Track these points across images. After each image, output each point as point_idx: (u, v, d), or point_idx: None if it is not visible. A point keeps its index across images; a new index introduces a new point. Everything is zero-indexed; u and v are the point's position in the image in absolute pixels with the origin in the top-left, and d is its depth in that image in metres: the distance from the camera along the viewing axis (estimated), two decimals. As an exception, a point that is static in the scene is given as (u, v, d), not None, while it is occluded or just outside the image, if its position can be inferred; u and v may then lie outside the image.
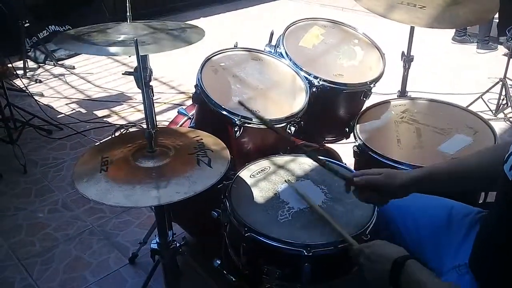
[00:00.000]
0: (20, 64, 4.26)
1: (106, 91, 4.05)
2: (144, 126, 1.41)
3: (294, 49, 2.10)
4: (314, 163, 1.68)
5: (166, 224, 1.62)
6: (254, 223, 1.38)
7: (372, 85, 2.06)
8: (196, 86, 1.82)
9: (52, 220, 2.52)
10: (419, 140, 1.87)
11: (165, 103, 3.79)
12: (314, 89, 1.97)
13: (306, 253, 1.29)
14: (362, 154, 1.85)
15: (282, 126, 1.81)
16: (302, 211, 1.44)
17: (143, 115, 3.38)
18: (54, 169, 2.96)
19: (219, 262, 1.58)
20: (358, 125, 1.97)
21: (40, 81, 4.19)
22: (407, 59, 2.32)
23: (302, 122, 1.88)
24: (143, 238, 2.21)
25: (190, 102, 2.11)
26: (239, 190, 1.52)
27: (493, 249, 1.11)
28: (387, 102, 2.13)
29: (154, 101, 1.84)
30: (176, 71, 4.28)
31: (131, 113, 3.66)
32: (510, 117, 3.50)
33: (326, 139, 2.27)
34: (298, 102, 1.89)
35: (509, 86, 3.53)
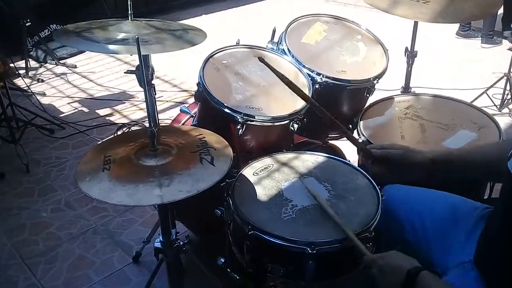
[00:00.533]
0: (22, 63, 4.26)
1: (108, 89, 4.05)
2: (147, 124, 1.41)
3: (296, 45, 2.08)
4: (318, 160, 1.67)
5: (169, 223, 1.61)
6: (258, 221, 1.37)
7: (375, 81, 2.05)
8: (198, 84, 1.82)
9: (55, 219, 2.52)
10: (423, 136, 1.86)
11: (167, 101, 3.79)
12: (317, 86, 1.96)
13: (310, 251, 1.28)
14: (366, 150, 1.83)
15: (285, 124, 1.80)
16: (305, 209, 1.43)
17: (145, 114, 3.37)
18: (57, 168, 2.96)
19: (223, 260, 1.57)
20: (361, 122, 1.96)
21: (42, 80, 4.19)
22: (411, 54, 2.31)
23: (305, 119, 1.87)
24: (146, 237, 2.21)
25: (192, 100, 2.11)
26: (242, 188, 1.52)
27: (497, 246, 1.11)
28: (390, 98, 2.12)
29: (156, 99, 1.84)
30: (178, 69, 4.27)
31: (133, 112, 3.65)
32: (515, 112, 3.48)
33: (329, 136, 2.26)
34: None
35: (513, 81, 3.51)
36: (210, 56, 1.93)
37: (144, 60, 1.61)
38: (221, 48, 1.99)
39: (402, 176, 1.30)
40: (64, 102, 3.83)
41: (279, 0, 6.82)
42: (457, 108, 2.02)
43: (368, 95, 2.10)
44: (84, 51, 4.57)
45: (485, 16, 3.37)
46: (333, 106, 2.12)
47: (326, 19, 2.28)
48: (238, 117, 1.70)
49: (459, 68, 4.32)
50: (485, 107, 3.33)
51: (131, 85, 3.99)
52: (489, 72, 4.04)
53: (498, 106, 3.50)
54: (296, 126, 1.83)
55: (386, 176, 1.31)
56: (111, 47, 1.53)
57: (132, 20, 1.70)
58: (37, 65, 4.51)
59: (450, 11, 2.00)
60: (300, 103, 1.85)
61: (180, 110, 2.24)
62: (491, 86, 3.56)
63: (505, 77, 3.48)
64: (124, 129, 3.35)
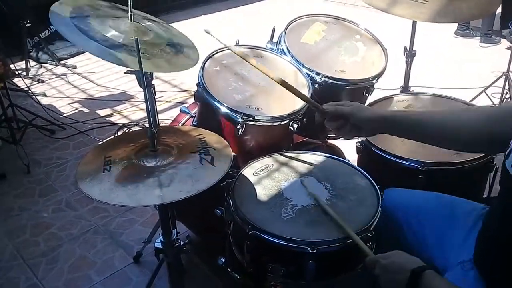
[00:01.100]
0: (22, 64, 4.26)
1: (108, 90, 4.05)
2: (147, 124, 1.41)
3: (295, 45, 2.09)
4: (318, 160, 1.68)
5: (170, 223, 1.62)
6: (258, 221, 1.37)
7: (374, 81, 2.05)
8: (198, 84, 1.82)
9: (56, 220, 2.53)
10: (422, 135, 1.86)
11: (167, 101, 3.79)
12: (316, 86, 1.96)
13: (310, 251, 1.29)
14: (365, 150, 1.84)
15: (284, 123, 1.81)
16: (305, 208, 1.43)
17: (145, 114, 3.38)
18: (58, 169, 2.96)
19: (223, 260, 1.58)
20: (361, 121, 1.96)
21: (42, 81, 4.19)
22: (410, 54, 2.32)
23: (304, 119, 1.88)
24: (147, 237, 2.22)
25: (192, 100, 2.12)
26: (242, 188, 1.52)
27: (496, 245, 1.11)
28: (390, 97, 2.12)
29: (156, 99, 1.84)
30: (178, 69, 4.27)
31: (133, 112, 3.66)
32: (514, 111, 3.48)
33: (329, 135, 2.26)
34: (301, 99, 1.89)
35: (512, 79, 3.51)
36: (210, 57, 1.94)
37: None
38: (220, 48, 2.00)
39: (353, 132, 1.36)
40: (64, 102, 3.84)
41: (278, 0, 6.82)
42: (456, 107, 2.02)
43: (367, 95, 2.10)
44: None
45: (483, 15, 3.38)
46: (333, 105, 2.13)
47: (325, 19, 2.29)
48: (238, 117, 1.71)
49: (458, 67, 4.33)
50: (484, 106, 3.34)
51: (131, 85, 3.99)
52: (488, 71, 4.05)
53: (497, 105, 3.50)
54: (295, 126, 1.83)
55: (340, 131, 1.38)
56: (110, 52, 1.52)
57: (132, 21, 1.70)
58: (37, 65, 4.52)
59: (449, 10, 2.01)
60: (299, 103, 1.85)
61: (180, 110, 2.24)
62: (490, 85, 3.56)
63: (504, 76, 3.48)
64: (124, 130, 3.35)
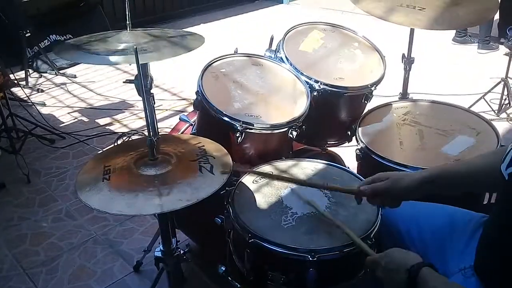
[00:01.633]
0: (21, 74, 4.27)
1: (108, 99, 4.06)
2: (146, 133, 1.42)
3: (294, 53, 2.10)
4: (317, 167, 1.68)
5: (169, 232, 1.62)
6: (258, 229, 1.37)
7: (373, 88, 2.06)
8: (197, 92, 1.83)
9: (56, 229, 2.52)
10: (421, 142, 1.86)
11: (166, 109, 3.80)
12: (315, 93, 1.97)
13: (310, 258, 1.29)
14: (365, 157, 1.84)
15: (283, 131, 1.81)
16: (305, 216, 1.43)
17: (145, 123, 3.38)
18: (58, 178, 2.96)
19: (223, 269, 1.57)
20: (360, 128, 1.96)
21: (42, 91, 4.20)
22: (408, 61, 2.32)
23: (303, 127, 1.88)
24: (147, 246, 2.21)
25: (192, 108, 2.12)
26: (242, 196, 1.52)
27: (496, 250, 1.11)
28: (388, 104, 2.13)
29: (155, 108, 1.84)
30: (178, 77, 4.29)
31: (133, 121, 3.67)
32: (513, 117, 3.49)
33: (328, 143, 2.27)
34: (299, 106, 1.89)
35: (511, 85, 3.52)
36: (209, 65, 1.95)
37: (143, 70, 1.63)
38: (219, 57, 2.01)
39: (398, 202, 1.32)
40: (64, 112, 3.84)
41: (277, 8, 6.86)
42: (455, 113, 2.03)
43: (366, 102, 2.11)
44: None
45: (480, 22, 3.40)
46: (331, 113, 2.14)
47: (323, 27, 2.30)
48: (237, 125, 1.71)
49: (456, 74, 4.34)
50: (483, 112, 3.34)
51: (131, 94, 4.00)
52: (486, 77, 4.05)
53: (496, 111, 3.51)
54: (295, 133, 1.84)
55: (385, 204, 1.34)
56: (111, 58, 1.54)
57: (130, 30, 1.71)
58: (36, 75, 4.53)
59: (446, 18, 2.02)
60: (298, 110, 1.86)
61: (180, 118, 2.25)
62: (489, 91, 3.57)
63: (503, 82, 3.49)
64: (124, 138, 3.35)
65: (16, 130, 3.22)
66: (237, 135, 1.72)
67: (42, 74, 4.55)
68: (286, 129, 1.81)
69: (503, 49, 4.80)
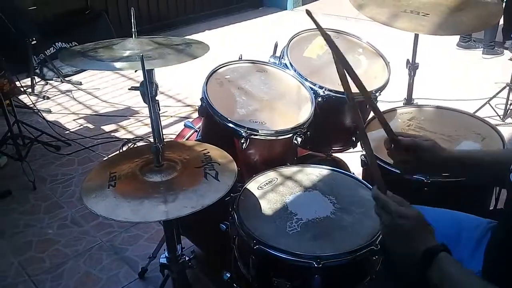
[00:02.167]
0: (27, 81, 4.30)
1: (113, 106, 4.08)
2: (151, 140, 1.42)
3: (298, 59, 2.11)
4: (322, 173, 1.67)
5: (175, 238, 1.62)
6: (263, 235, 1.37)
7: (377, 94, 2.06)
8: (201, 99, 1.83)
9: (61, 236, 2.53)
10: (426, 147, 1.86)
11: (171, 116, 3.81)
12: (319, 99, 1.97)
13: (316, 265, 1.28)
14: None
15: (288, 137, 1.81)
16: (310, 222, 1.43)
17: (150, 129, 3.39)
18: (63, 185, 2.97)
19: (228, 275, 1.57)
20: (365, 134, 1.96)
21: (48, 98, 4.23)
22: (412, 66, 2.32)
23: (308, 133, 1.88)
24: (152, 253, 2.21)
25: (196, 114, 2.13)
26: (247, 202, 1.52)
27: (504, 256, 1.10)
28: (393, 110, 2.13)
29: (160, 114, 1.85)
30: (183, 84, 4.30)
31: (138, 127, 3.68)
32: (519, 122, 3.48)
33: (333, 148, 2.27)
34: (304, 112, 1.90)
35: (516, 90, 3.51)
36: (214, 71, 1.96)
37: (148, 76, 1.63)
38: (224, 63, 2.01)
39: (423, 168, 1.32)
40: (69, 118, 3.86)
41: (281, 15, 6.88)
42: (460, 119, 2.03)
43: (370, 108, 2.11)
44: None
45: (485, 27, 3.39)
46: (336, 119, 2.14)
47: (327, 33, 2.30)
48: (242, 131, 1.71)
49: (461, 79, 4.33)
50: (488, 117, 3.33)
51: (136, 100, 4.02)
52: (491, 82, 4.04)
53: (501, 116, 3.50)
54: (299, 139, 1.84)
55: (409, 164, 1.30)
56: (116, 64, 1.55)
57: (135, 37, 1.72)
58: (42, 82, 4.56)
59: (450, 23, 2.02)
60: (303, 116, 1.86)
61: (184, 125, 2.26)
62: (494, 97, 3.56)
63: (508, 87, 3.48)
64: (129, 145, 3.36)
65: (22, 137, 3.24)
66: (242, 141, 1.72)
67: (48, 81, 4.57)
68: (290, 135, 1.81)
69: (508, 54, 4.79)
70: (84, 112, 3.98)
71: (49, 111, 3.93)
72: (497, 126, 1.96)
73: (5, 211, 2.73)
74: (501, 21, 4.65)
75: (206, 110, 1.81)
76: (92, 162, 3.20)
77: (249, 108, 1.86)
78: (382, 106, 2.15)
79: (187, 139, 2.16)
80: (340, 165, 2.29)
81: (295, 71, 2.04)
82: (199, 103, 1.86)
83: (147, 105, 1.53)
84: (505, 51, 4.84)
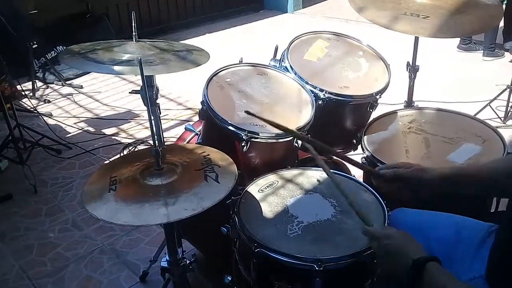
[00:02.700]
0: (28, 85, 4.31)
1: (114, 109, 4.08)
2: (152, 143, 1.43)
3: (299, 62, 2.11)
4: (323, 176, 1.67)
5: (175, 242, 1.62)
6: (264, 238, 1.37)
7: (378, 96, 2.06)
8: (202, 102, 1.84)
9: (62, 240, 2.53)
10: (427, 150, 1.86)
11: (172, 119, 3.82)
12: (320, 102, 1.97)
13: (317, 268, 1.28)
14: (371, 165, 1.84)
15: (289, 140, 1.81)
16: (311, 225, 1.43)
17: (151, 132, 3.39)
18: (64, 188, 2.97)
19: (229, 279, 1.57)
20: (365, 137, 1.96)
21: (49, 101, 4.24)
22: (413, 69, 2.32)
23: (309, 135, 1.88)
24: (153, 256, 2.21)
25: (197, 118, 2.13)
26: (247, 205, 1.52)
27: (508, 259, 1.10)
28: (394, 112, 2.13)
29: (161, 118, 1.86)
30: (183, 87, 4.31)
31: (139, 131, 3.68)
32: (519, 124, 3.47)
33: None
34: (305, 115, 1.90)
35: (517, 92, 3.50)
36: (214, 75, 1.96)
37: (148, 80, 1.64)
38: (224, 67, 2.02)
39: (413, 194, 1.31)
40: (70, 122, 3.87)
41: (281, 18, 6.90)
42: (461, 121, 2.03)
43: (371, 110, 2.11)
44: (90, 72, 4.62)
45: (485, 30, 3.39)
46: (337, 121, 2.14)
47: (328, 36, 2.31)
48: (242, 134, 1.71)
49: (462, 81, 4.33)
50: (489, 119, 3.33)
51: (137, 104, 4.02)
52: (492, 84, 4.04)
53: (502, 118, 3.49)
54: (300, 142, 1.84)
55: (398, 195, 1.33)
56: (116, 68, 1.55)
57: (136, 41, 1.73)
58: (43, 86, 4.57)
59: (450, 26, 2.02)
60: (303, 119, 1.86)
61: (185, 128, 2.26)
62: (495, 99, 3.56)
63: (508, 89, 3.48)
64: (130, 148, 3.37)
65: (23, 141, 3.24)
66: (243, 144, 1.72)
67: (49, 85, 4.58)
68: (291, 138, 1.81)
69: (508, 56, 4.79)
70: (85, 116, 3.99)
71: (50, 115, 3.94)
72: (498, 128, 1.95)
73: (6, 215, 2.73)
74: (501, 23, 4.65)
75: (206, 113, 1.81)
76: (93, 166, 3.20)
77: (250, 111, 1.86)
78: (382, 109, 2.17)
79: (187, 142, 2.17)
80: (341, 167, 2.28)
81: (295, 74, 2.04)
82: (200, 106, 1.86)
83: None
84: (505, 53, 4.84)
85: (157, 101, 1.77)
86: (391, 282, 1.36)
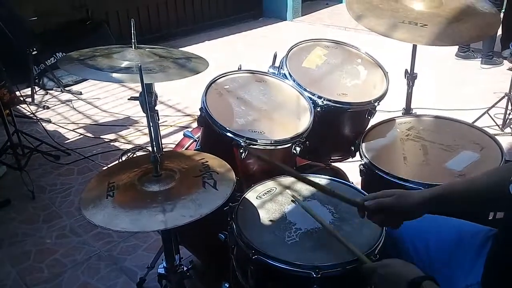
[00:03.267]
0: (28, 91, 4.32)
1: (113, 115, 4.09)
2: (151, 149, 1.43)
3: (297, 70, 2.11)
4: (321, 183, 1.67)
5: (173, 248, 1.62)
6: (262, 245, 1.36)
7: (376, 104, 2.07)
8: (201, 109, 1.84)
9: (60, 246, 2.52)
10: (425, 157, 1.86)
11: (171, 125, 3.82)
12: (318, 109, 1.98)
13: (314, 275, 1.28)
14: (369, 172, 1.84)
15: (287, 147, 1.81)
16: (309, 232, 1.43)
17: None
18: (62, 195, 2.97)
19: (227, 286, 1.56)
20: (363, 144, 1.97)
21: (48, 107, 4.24)
22: (411, 76, 2.33)
23: (307, 142, 1.89)
24: (150, 263, 2.20)
25: (196, 124, 2.14)
26: (245, 212, 1.52)
27: (504, 267, 1.10)
28: (392, 120, 2.13)
29: (160, 124, 1.86)
30: (182, 94, 4.32)
31: (137, 137, 3.68)
32: (517, 132, 3.48)
33: (332, 158, 2.26)
34: (303, 122, 1.90)
35: (515, 100, 3.52)
36: (213, 81, 1.96)
37: (147, 87, 1.64)
38: (223, 74, 2.02)
39: (402, 219, 1.31)
40: (69, 128, 3.87)
41: (280, 25, 6.93)
42: (459, 129, 2.03)
43: (369, 117, 2.11)
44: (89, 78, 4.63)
45: (483, 38, 3.41)
46: (335, 128, 2.14)
47: (326, 43, 2.32)
48: (241, 141, 1.72)
49: (460, 89, 4.35)
50: (487, 127, 3.34)
51: (136, 110, 4.03)
52: (490, 92, 4.06)
53: (500, 126, 3.51)
54: (298, 149, 1.84)
55: (385, 223, 1.34)
56: (115, 75, 1.56)
57: (135, 48, 1.73)
58: (43, 92, 4.58)
59: (448, 34, 2.03)
60: (302, 126, 1.86)
61: (184, 134, 2.26)
62: (493, 106, 3.57)
63: (506, 97, 3.49)
64: (128, 154, 3.37)
65: (22, 147, 3.24)
66: (241, 151, 1.72)
67: (48, 91, 4.59)
68: (289, 145, 1.81)
69: (506, 63, 4.82)
70: (83, 122, 3.99)
71: (49, 121, 3.94)
72: (496, 136, 1.96)
73: (4, 221, 2.72)
74: (500, 31, 4.68)
75: (205, 119, 1.82)
76: (91, 172, 3.20)
77: (248, 118, 1.86)
78: (381, 116, 2.18)
79: (186, 149, 2.17)
80: (339, 174, 2.29)
81: (294, 81, 2.05)
82: (199, 113, 1.86)
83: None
84: (503, 61, 4.86)
85: (156, 108, 1.78)
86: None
